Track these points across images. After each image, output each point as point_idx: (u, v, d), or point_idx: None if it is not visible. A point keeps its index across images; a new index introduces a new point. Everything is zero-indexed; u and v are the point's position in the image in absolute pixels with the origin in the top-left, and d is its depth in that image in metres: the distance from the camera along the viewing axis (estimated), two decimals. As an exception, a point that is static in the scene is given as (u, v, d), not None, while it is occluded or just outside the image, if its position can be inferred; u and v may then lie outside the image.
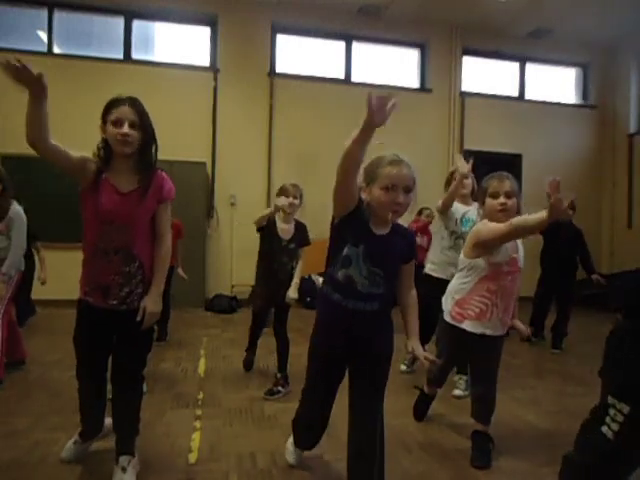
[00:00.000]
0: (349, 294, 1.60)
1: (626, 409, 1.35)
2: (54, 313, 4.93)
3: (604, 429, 1.38)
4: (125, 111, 1.79)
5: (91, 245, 1.86)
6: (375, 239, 1.59)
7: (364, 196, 1.60)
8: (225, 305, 6.09)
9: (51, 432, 2.41)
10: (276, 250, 3.05)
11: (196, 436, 2.43)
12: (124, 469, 1.93)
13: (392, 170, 1.55)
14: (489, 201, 2.08)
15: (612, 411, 1.37)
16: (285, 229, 3.05)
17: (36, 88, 1.71)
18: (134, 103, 1.83)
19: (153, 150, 1.89)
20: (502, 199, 2.01)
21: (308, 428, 1.95)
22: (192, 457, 2.21)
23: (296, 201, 3.00)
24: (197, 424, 2.58)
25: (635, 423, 1.35)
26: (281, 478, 2.06)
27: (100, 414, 2.14)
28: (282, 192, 3.01)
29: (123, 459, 1.95)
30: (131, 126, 1.78)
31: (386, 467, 2.00)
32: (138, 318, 1.85)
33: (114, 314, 1.89)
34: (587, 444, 1.43)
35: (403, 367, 3.64)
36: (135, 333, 1.90)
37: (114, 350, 1.97)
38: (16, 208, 3.11)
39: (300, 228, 3.10)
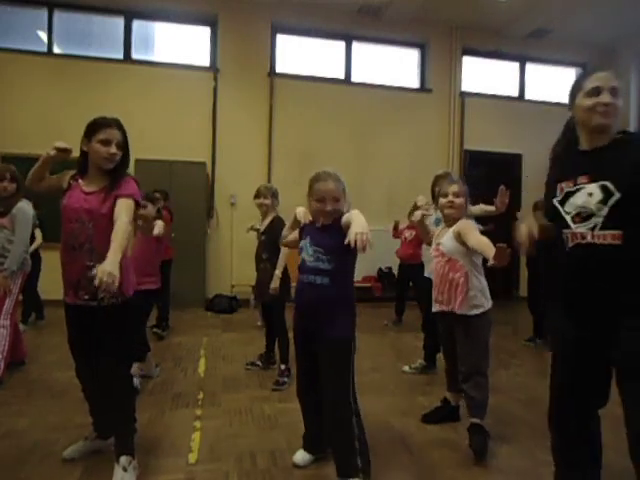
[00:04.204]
0: (303, 271, 2.00)
1: (551, 356, 1.64)
2: (54, 313, 4.92)
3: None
4: (114, 133, 1.99)
5: (63, 244, 2.03)
6: (315, 230, 2.02)
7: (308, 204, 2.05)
8: (225, 305, 6.09)
9: (51, 432, 2.42)
10: (258, 245, 3.50)
11: (196, 436, 2.44)
12: (125, 469, 1.95)
13: (320, 186, 1.98)
14: (441, 200, 2.46)
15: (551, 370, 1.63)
16: (263, 224, 3.47)
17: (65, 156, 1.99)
18: (120, 125, 2.03)
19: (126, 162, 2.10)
20: (450, 197, 2.40)
21: (300, 401, 2.18)
22: (192, 457, 2.22)
23: (266, 201, 3.37)
24: (197, 424, 2.58)
25: (556, 366, 1.62)
26: (281, 478, 2.06)
27: (105, 412, 2.14)
28: (255, 194, 3.44)
29: (124, 459, 1.97)
30: (117, 146, 2.00)
31: (386, 467, 2.00)
32: (95, 283, 1.69)
33: (89, 311, 1.99)
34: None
35: (406, 368, 3.65)
36: (112, 330, 2.00)
37: (96, 348, 2.03)
38: (19, 204, 3.12)
39: (275, 221, 3.34)
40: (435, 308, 2.52)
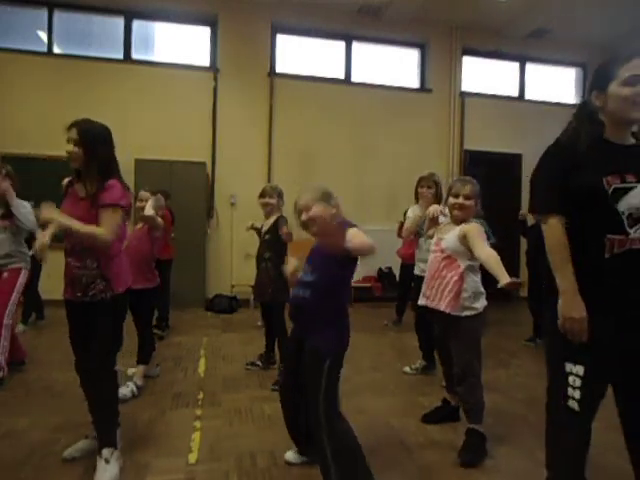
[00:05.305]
0: (296, 285, 1.99)
1: (581, 370, 1.42)
2: (55, 313, 4.92)
3: (570, 403, 1.45)
4: (70, 133, 2.04)
5: (65, 246, 2.12)
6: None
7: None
8: (225, 305, 6.09)
9: (51, 432, 2.42)
10: (259, 245, 3.48)
11: (196, 436, 2.44)
12: (107, 460, 2.01)
13: (297, 200, 1.99)
14: (450, 199, 2.42)
15: (571, 378, 1.44)
16: (265, 223, 3.46)
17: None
18: (78, 124, 2.05)
19: (100, 162, 2.07)
20: (460, 199, 2.36)
21: (281, 398, 2.14)
22: (192, 457, 2.22)
23: (272, 200, 3.35)
24: (197, 424, 2.59)
25: (593, 381, 1.42)
26: (281, 478, 2.06)
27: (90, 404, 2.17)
28: (261, 193, 3.40)
29: (106, 451, 2.03)
30: (75, 145, 2.02)
31: (386, 467, 1.99)
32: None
33: (82, 307, 2.06)
34: (560, 432, 1.52)
35: (407, 369, 3.64)
36: (99, 324, 2.06)
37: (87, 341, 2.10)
38: (15, 202, 3.14)
39: (279, 221, 3.33)
40: (421, 301, 2.50)
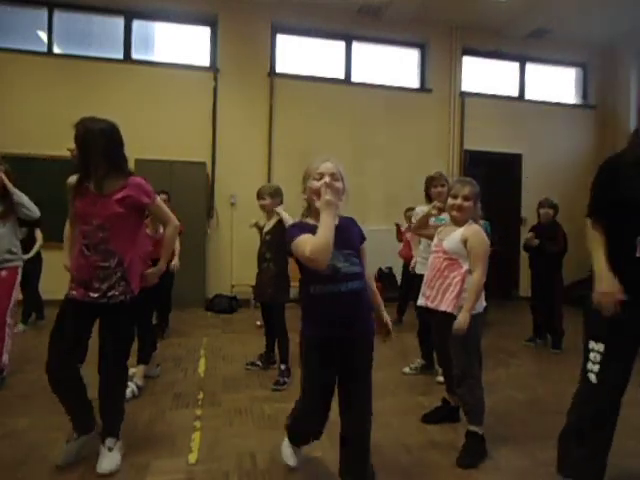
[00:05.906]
0: (335, 280, 1.73)
1: (602, 347, 1.69)
2: (55, 313, 4.92)
3: (589, 376, 1.72)
4: (74, 130, 2.07)
5: (78, 243, 2.11)
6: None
7: (305, 197, 1.85)
8: (225, 305, 6.09)
9: (51, 432, 2.42)
10: (260, 244, 3.49)
11: (196, 436, 2.44)
12: (110, 449, 2.07)
13: (320, 164, 1.82)
14: (449, 200, 2.42)
15: (592, 354, 1.72)
16: (268, 224, 3.44)
17: None
18: (81, 122, 2.06)
19: (106, 158, 2.06)
20: (459, 200, 2.36)
21: (310, 419, 1.94)
22: (192, 457, 2.22)
23: (264, 202, 3.37)
24: (197, 424, 2.59)
25: (611, 358, 1.67)
26: (281, 478, 2.06)
27: (84, 404, 2.15)
28: (257, 194, 3.43)
29: (109, 440, 2.09)
30: (76, 142, 2.06)
31: (386, 467, 2.00)
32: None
33: (95, 307, 2.06)
34: (578, 401, 1.77)
35: (406, 369, 3.64)
36: (117, 326, 2.10)
37: (100, 341, 2.13)
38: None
39: (281, 222, 3.29)
40: (420, 301, 2.49)
